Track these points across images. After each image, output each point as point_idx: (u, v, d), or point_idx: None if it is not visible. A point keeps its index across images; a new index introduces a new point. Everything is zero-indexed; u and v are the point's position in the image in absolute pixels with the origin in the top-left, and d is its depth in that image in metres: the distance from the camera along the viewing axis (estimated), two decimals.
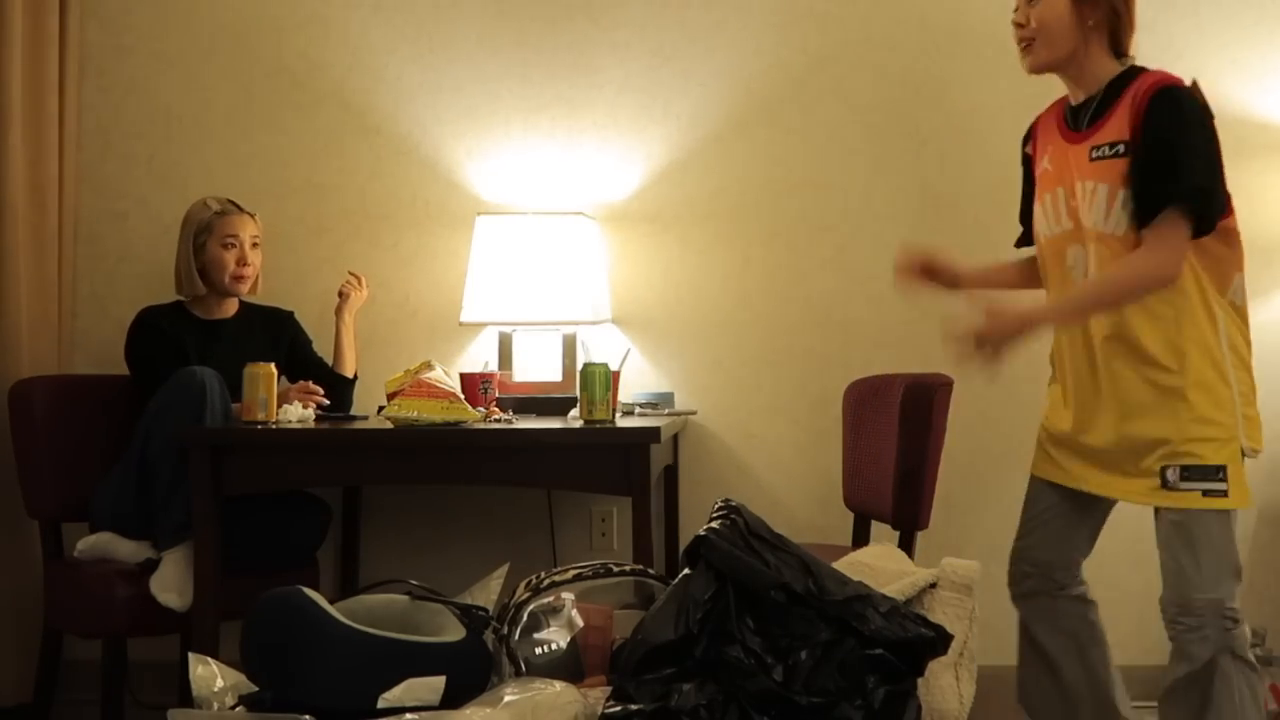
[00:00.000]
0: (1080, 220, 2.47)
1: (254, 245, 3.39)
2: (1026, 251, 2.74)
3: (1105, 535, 2.72)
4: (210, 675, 2.19)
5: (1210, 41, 3.58)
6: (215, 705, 2.15)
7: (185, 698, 2.20)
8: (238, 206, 3.39)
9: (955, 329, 2.41)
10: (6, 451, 3.27)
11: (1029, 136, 2.70)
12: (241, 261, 3.35)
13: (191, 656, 2.22)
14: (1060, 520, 2.63)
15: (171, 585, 2.99)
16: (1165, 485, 2.39)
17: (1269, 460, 3.54)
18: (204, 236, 3.35)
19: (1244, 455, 2.41)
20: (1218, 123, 3.51)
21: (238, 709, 2.14)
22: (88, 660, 3.24)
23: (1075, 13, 2.45)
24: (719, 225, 3.69)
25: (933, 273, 2.72)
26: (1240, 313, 2.49)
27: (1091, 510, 2.62)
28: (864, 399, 3.35)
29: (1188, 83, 2.42)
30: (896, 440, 3.02)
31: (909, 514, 3.01)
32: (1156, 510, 2.45)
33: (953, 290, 2.72)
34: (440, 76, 3.72)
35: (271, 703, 2.12)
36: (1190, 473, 2.37)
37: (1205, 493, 2.36)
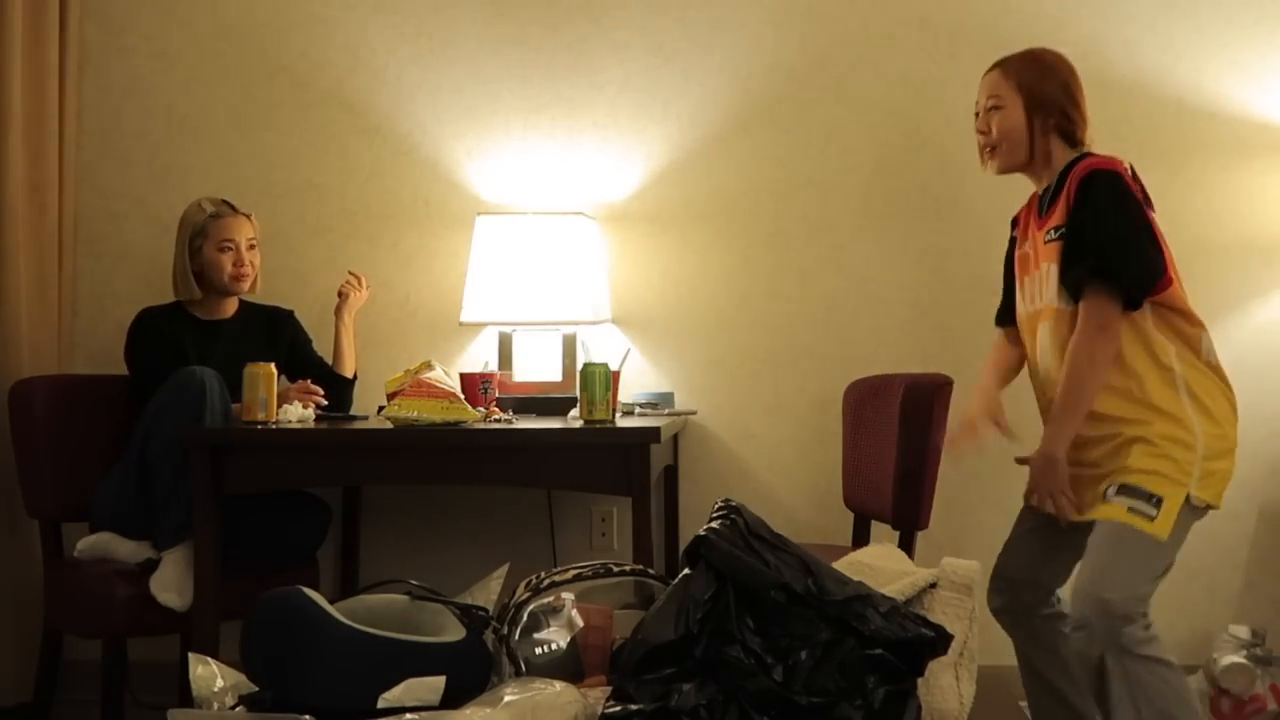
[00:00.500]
0: (1042, 299, 2.68)
1: (250, 247, 3.38)
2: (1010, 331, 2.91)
3: None
4: (210, 675, 2.18)
5: (1210, 41, 3.58)
6: (215, 705, 2.14)
7: (185, 698, 2.20)
8: (232, 208, 3.37)
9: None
10: (6, 451, 3.27)
11: (1015, 223, 2.88)
12: (238, 264, 3.34)
13: (191, 656, 2.22)
14: (1039, 544, 2.72)
15: (171, 585, 2.99)
16: (1103, 499, 2.52)
17: (1269, 460, 3.55)
18: (199, 240, 3.33)
19: (1190, 503, 2.48)
20: (1219, 123, 3.54)
21: (238, 709, 2.13)
22: (88, 660, 3.24)
23: (1029, 122, 2.69)
24: (719, 225, 3.69)
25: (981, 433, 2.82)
26: (1216, 371, 2.59)
27: (1070, 538, 2.65)
28: (864, 399, 3.35)
29: (1124, 165, 2.61)
30: (896, 440, 3.02)
31: (909, 514, 3.01)
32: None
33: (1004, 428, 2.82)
34: (440, 76, 3.72)
35: (271, 703, 2.12)
36: (1125, 490, 2.48)
37: (1130, 509, 2.47)
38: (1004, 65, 2.75)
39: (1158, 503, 2.45)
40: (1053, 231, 2.63)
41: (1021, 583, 2.71)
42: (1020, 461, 2.64)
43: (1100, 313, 2.52)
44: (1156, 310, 2.56)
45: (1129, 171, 2.62)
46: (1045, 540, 2.69)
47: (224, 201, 3.39)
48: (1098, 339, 2.52)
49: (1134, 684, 2.41)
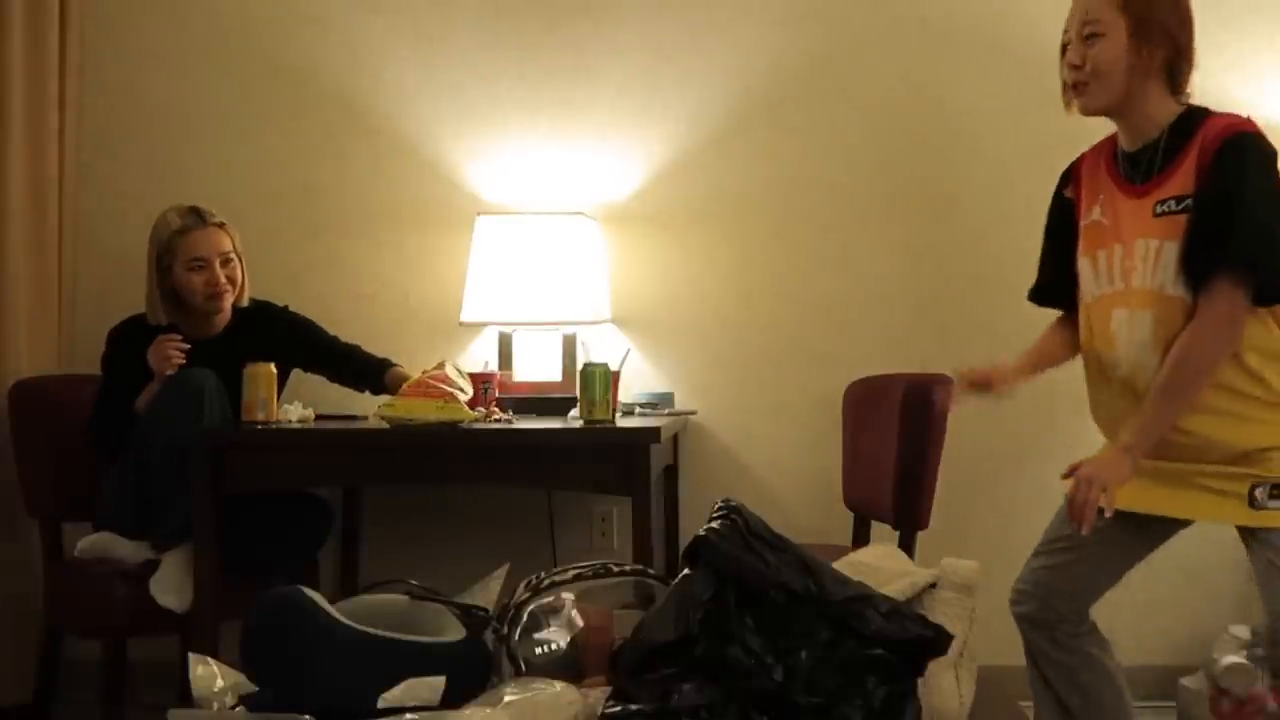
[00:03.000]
0: (1131, 282, 2.30)
1: (226, 261, 3.18)
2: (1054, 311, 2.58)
3: None
4: (210, 675, 2.18)
5: (1210, 42, 3.53)
6: (215, 705, 2.14)
7: (185, 698, 2.19)
8: (203, 218, 3.17)
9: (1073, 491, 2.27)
10: (6, 451, 3.26)
11: (1070, 178, 2.50)
12: (211, 283, 3.16)
13: (191, 656, 2.22)
14: (1092, 548, 2.38)
15: (171, 587, 2.99)
16: (1253, 505, 2.24)
17: None
18: (168, 259, 3.15)
19: None
20: None
21: (238, 709, 2.13)
22: (88, 660, 3.24)
23: (1134, 53, 2.28)
24: (719, 225, 3.69)
25: (984, 386, 2.51)
26: None
27: (1140, 539, 2.40)
28: (864, 399, 3.35)
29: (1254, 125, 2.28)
30: (896, 440, 3.02)
31: (909, 514, 3.01)
32: (1246, 533, 2.30)
33: (1002, 391, 2.51)
34: (440, 76, 3.72)
35: (271, 703, 2.12)
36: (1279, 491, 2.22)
37: None
38: None
39: None
40: (1173, 202, 2.23)
41: (1060, 591, 2.42)
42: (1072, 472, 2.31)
43: (1231, 303, 2.17)
44: None
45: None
46: (1101, 543, 2.35)
47: (193, 210, 3.19)
48: (1226, 332, 2.18)
49: None
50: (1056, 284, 2.50)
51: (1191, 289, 2.23)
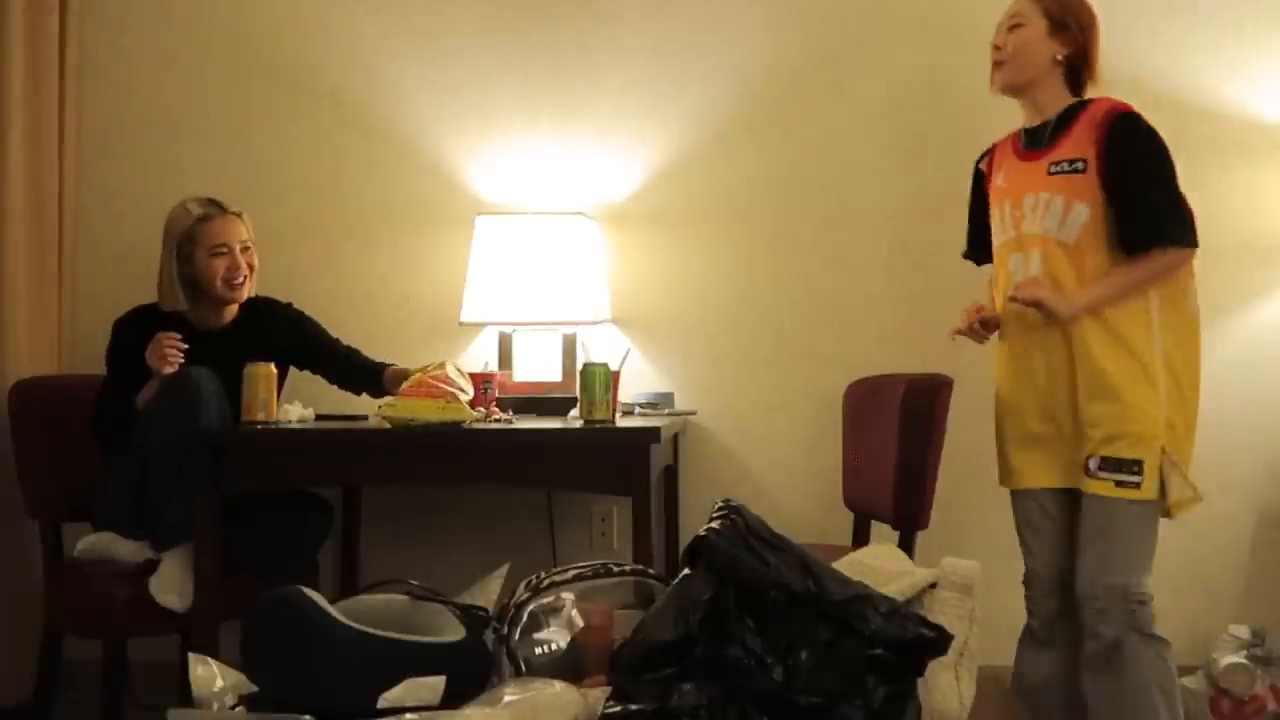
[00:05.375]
0: (1021, 229, 2.73)
1: (245, 249, 3.23)
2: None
3: None
4: (210, 675, 2.18)
5: (1209, 42, 3.58)
6: (215, 705, 2.14)
7: (185, 698, 2.20)
8: (221, 207, 3.22)
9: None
10: (6, 451, 3.27)
11: (987, 155, 2.94)
12: (233, 269, 3.20)
13: (191, 656, 2.22)
14: (1068, 533, 2.79)
15: (171, 586, 2.99)
16: (1087, 473, 2.65)
17: (1268, 461, 3.55)
18: (189, 247, 3.18)
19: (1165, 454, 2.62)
20: (1218, 123, 3.54)
21: (238, 709, 2.13)
22: (88, 660, 3.24)
23: (1047, 43, 2.74)
24: (719, 225, 3.69)
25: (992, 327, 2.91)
26: (1191, 322, 2.69)
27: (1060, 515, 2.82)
28: (864, 399, 3.35)
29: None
30: (896, 440, 3.02)
31: (909, 514, 3.02)
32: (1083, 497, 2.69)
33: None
34: (440, 76, 3.72)
35: (271, 703, 2.12)
36: (1106, 464, 2.62)
37: (1118, 483, 2.60)
38: None
39: (1139, 468, 2.60)
40: (1065, 164, 2.67)
41: (1064, 581, 2.77)
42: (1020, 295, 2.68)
43: (1172, 262, 2.64)
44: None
45: None
46: (1069, 526, 2.75)
47: (212, 201, 3.24)
48: (1173, 270, 2.64)
49: (1151, 662, 2.58)
50: (980, 242, 2.95)
51: (1119, 245, 2.64)
